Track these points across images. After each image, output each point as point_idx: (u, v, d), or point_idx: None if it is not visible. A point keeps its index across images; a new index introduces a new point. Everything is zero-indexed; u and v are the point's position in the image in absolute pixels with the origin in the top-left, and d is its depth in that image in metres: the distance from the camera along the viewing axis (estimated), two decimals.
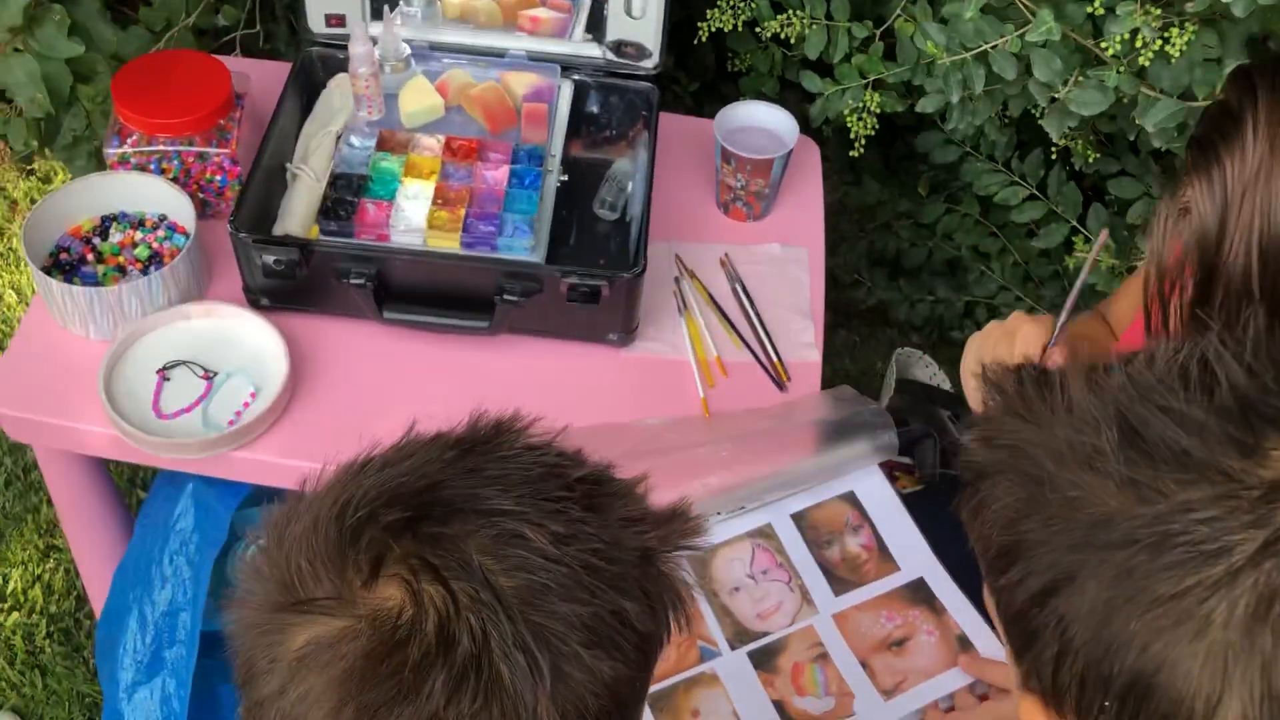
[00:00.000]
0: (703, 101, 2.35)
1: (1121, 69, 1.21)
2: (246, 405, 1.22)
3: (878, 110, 1.43)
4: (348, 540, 0.61)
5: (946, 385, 1.62)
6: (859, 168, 2.04)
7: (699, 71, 2.37)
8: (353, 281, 1.23)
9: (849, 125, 1.44)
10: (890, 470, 1.61)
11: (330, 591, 0.60)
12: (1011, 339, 1.08)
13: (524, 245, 1.25)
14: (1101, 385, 0.63)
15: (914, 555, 1.22)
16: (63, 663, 1.65)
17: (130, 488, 1.82)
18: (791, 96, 1.65)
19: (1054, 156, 1.52)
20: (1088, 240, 1.53)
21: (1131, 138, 1.41)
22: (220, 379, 1.24)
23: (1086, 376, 0.64)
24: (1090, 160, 1.47)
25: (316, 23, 1.41)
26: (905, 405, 1.60)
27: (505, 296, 1.24)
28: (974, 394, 1.17)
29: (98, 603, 1.52)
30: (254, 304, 1.28)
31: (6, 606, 1.69)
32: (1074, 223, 1.58)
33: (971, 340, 1.16)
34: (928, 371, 1.63)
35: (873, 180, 1.89)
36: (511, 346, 1.29)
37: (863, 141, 1.46)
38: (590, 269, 1.23)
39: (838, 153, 1.87)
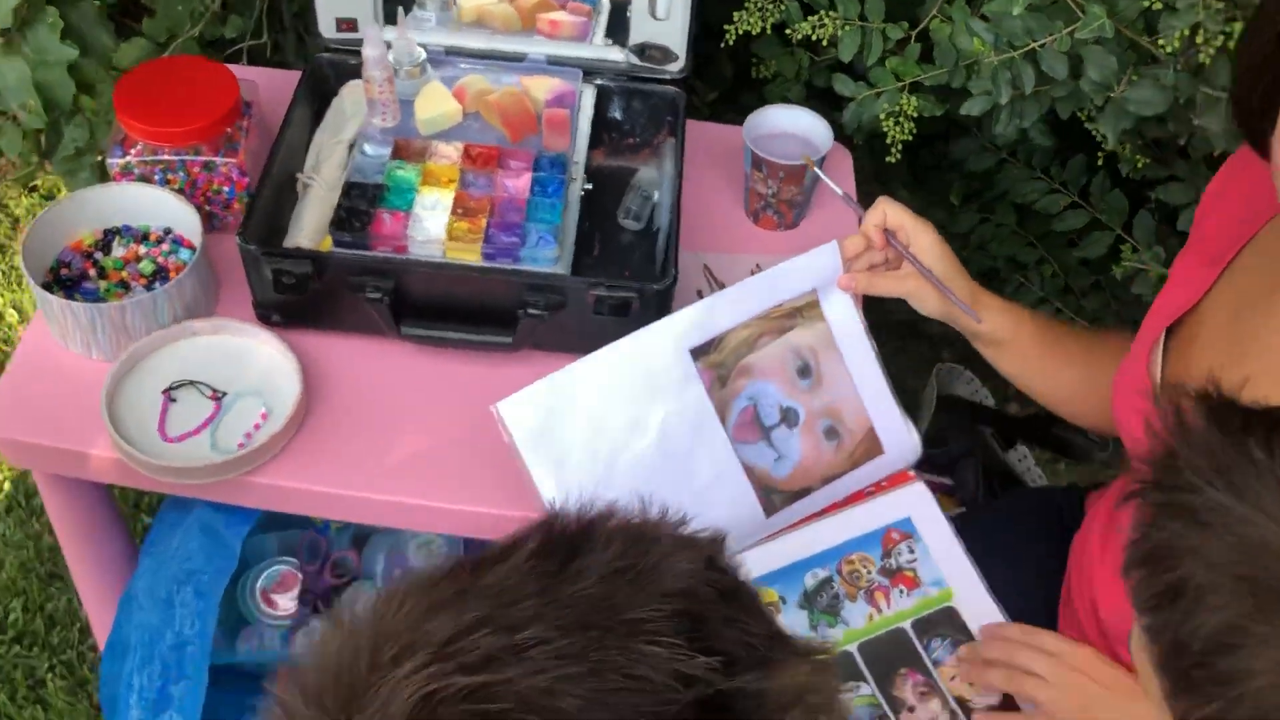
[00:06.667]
0: (721, 111, 2.29)
1: (1179, 67, 1.15)
2: (257, 427, 1.16)
3: (915, 114, 1.36)
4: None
5: (989, 401, 1.55)
6: (886, 177, 1.98)
7: (716, 81, 2.31)
8: (369, 295, 1.17)
9: (886, 130, 1.38)
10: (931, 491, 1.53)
11: None
12: None
13: (548, 256, 1.19)
14: None
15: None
16: (65, 697, 1.58)
17: (135, 513, 1.75)
18: (816, 104, 1.59)
19: (1100, 163, 1.46)
20: (1135, 250, 1.46)
21: (1182, 141, 1.35)
22: (229, 400, 1.17)
23: None
24: (1139, 166, 1.41)
25: (327, 27, 1.35)
26: (946, 423, 1.53)
27: (529, 310, 1.18)
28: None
29: (102, 634, 1.46)
30: (265, 320, 1.22)
31: (7, 638, 1.63)
32: (1120, 231, 1.51)
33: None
34: (969, 388, 1.56)
35: (903, 190, 1.82)
36: (536, 363, 1.22)
37: (899, 147, 1.40)
38: (619, 281, 1.16)
39: (864, 162, 1.81)
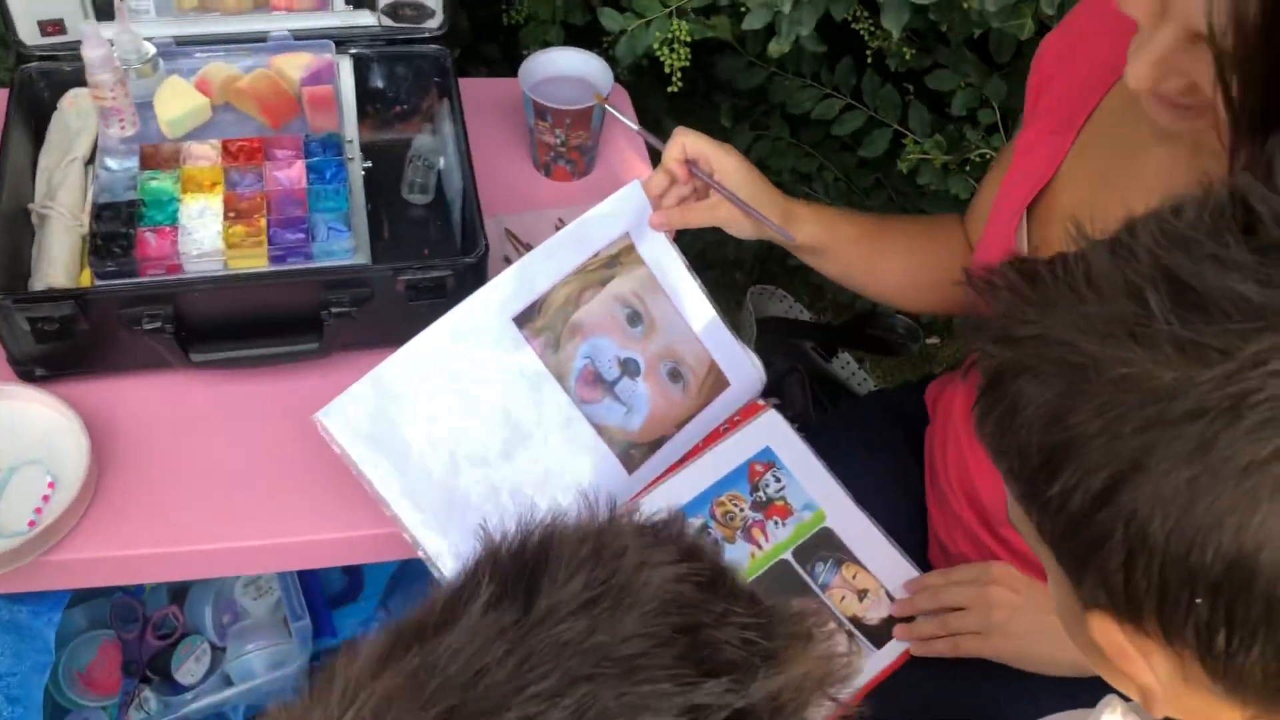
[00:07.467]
0: (464, 68, 2.19)
1: None
2: (46, 499, 1.01)
3: (688, 38, 1.32)
4: None
5: (805, 315, 1.55)
6: (649, 112, 1.94)
7: (453, 36, 2.21)
8: (146, 327, 1.04)
9: (662, 58, 1.33)
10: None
11: None
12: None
13: (344, 247, 1.09)
14: (1129, 248, 0.55)
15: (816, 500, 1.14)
16: None
17: None
18: (576, 45, 1.53)
19: (869, 60, 1.46)
20: (917, 141, 1.48)
21: (944, 28, 1.36)
22: (5, 475, 1.02)
23: (1107, 247, 0.56)
24: (907, 59, 1.42)
25: (29, 33, 1.18)
26: (766, 344, 1.52)
27: (333, 310, 1.07)
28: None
29: None
30: (27, 377, 1.07)
31: None
32: (896, 125, 1.52)
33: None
34: (783, 305, 1.55)
35: (671, 120, 1.79)
36: (350, 365, 1.11)
37: (679, 75, 1.35)
38: (428, 261, 1.07)
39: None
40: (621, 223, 1.12)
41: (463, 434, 1.03)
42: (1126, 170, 0.91)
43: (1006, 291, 0.59)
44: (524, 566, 0.49)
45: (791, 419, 1.44)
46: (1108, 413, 0.53)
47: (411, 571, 1.37)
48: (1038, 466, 0.57)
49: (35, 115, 1.19)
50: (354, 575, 1.48)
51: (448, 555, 1.01)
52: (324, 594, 1.46)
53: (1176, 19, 0.72)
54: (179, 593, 1.41)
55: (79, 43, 1.10)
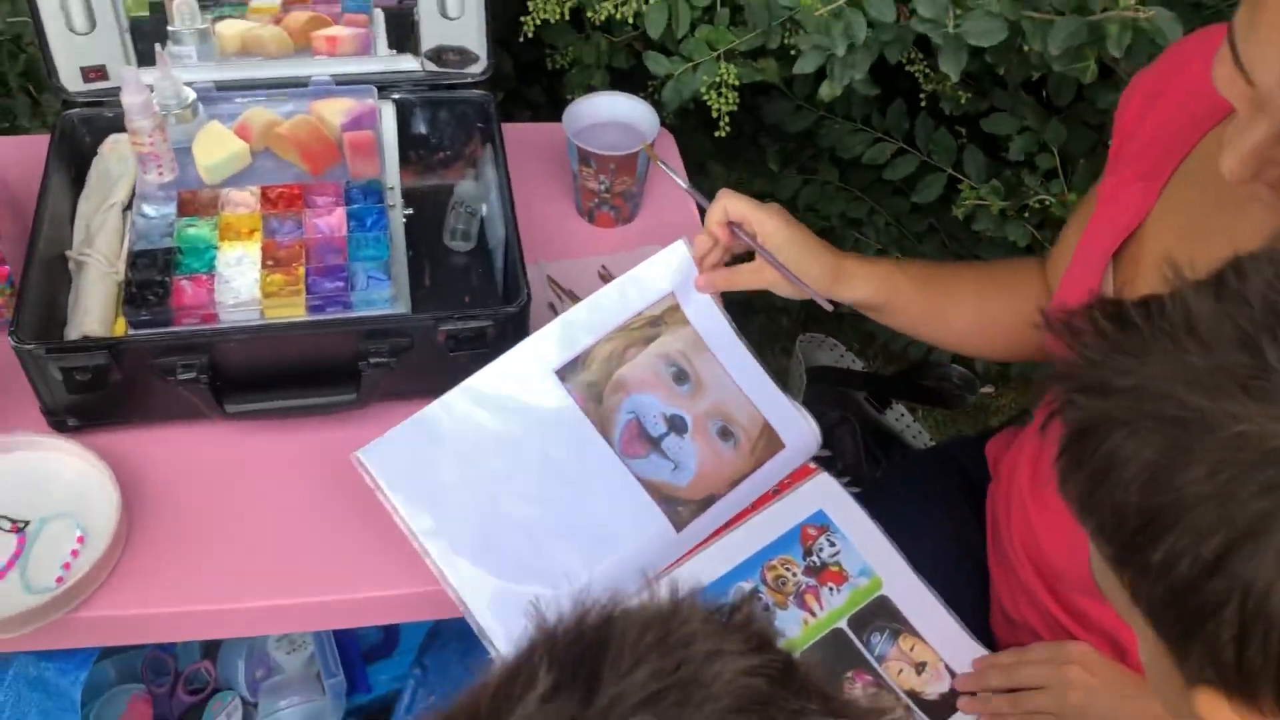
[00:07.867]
0: (508, 110, 2.18)
1: None
2: (75, 554, 0.98)
3: (736, 82, 1.29)
4: None
5: (857, 365, 1.50)
6: (695, 155, 1.91)
7: (496, 81, 2.20)
8: (181, 377, 1.01)
9: (709, 103, 1.30)
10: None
11: None
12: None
13: (383, 296, 1.06)
14: (1238, 293, 0.51)
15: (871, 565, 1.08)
16: None
17: None
18: (620, 88, 1.51)
19: (923, 104, 1.42)
20: (973, 187, 1.43)
21: (1001, 71, 1.32)
22: (34, 528, 0.99)
23: (1211, 291, 0.52)
24: (962, 102, 1.38)
25: (71, 79, 1.17)
26: (816, 394, 1.47)
27: (372, 360, 1.04)
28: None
29: None
30: (60, 427, 1.04)
31: None
32: (950, 170, 1.48)
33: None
34: (833, 354, 1.51)
35: (717, 165, 1.75)
36: (387, 416, 1.08)
37: (727, 120, 1.32)
38: (469, 310, 1.04)
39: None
40: (666, 282, 1.09)
41: (503, 482, 1.01)
42: (1221, 223, 0.86)
43: (1093, 336, 0.56)
44: (583, 652, 0.44)
45: (842, 471, 1.39)
46: (1221, 474, 0.49)
47: (448, 628, 1.32)
48: (1136, 529, 0.52)
49: (76, 161, 1.18)
50: (389, 630, 1.44)
51: (485, 607, 0.97)
52: (359, 649, 1.42)
53: (1272, 114, 0.69)
54: (211, 647, 1.37)
55: (120, 88, 1.09)
